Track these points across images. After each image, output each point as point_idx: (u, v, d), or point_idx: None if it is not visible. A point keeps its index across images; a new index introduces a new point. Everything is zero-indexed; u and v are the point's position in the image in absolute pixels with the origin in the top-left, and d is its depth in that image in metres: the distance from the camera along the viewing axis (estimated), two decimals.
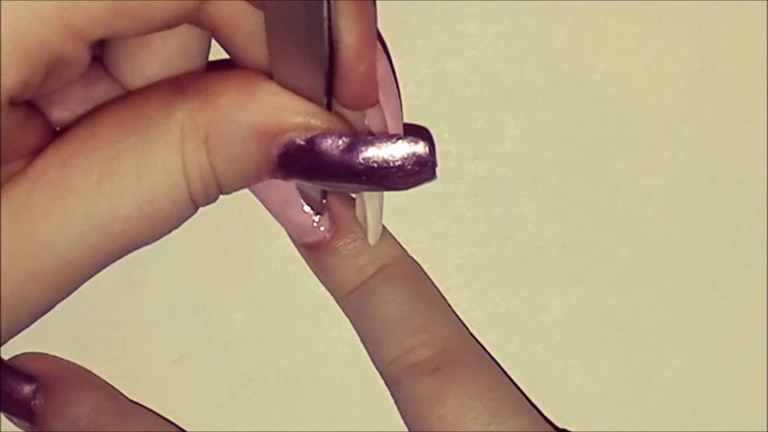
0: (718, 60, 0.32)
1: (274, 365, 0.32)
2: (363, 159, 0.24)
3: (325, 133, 0.24)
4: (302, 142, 0.24)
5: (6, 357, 0.32)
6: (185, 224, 0.32)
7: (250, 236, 0.32)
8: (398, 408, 0.30)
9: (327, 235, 0.30)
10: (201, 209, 0.26)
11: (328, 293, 0.31)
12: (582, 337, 0.32)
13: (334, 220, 0.30)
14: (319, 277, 0.31)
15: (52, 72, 0.23)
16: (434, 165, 0.24)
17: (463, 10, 0.31)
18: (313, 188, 0.29)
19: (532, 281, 0.32)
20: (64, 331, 0.32)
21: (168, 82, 0.26)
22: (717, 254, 0.32)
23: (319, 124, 0.24)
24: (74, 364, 0.32)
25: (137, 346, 0.32)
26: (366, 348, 0.31)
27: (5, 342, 0.25)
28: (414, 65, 0.31)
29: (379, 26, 0.30)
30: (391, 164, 0.24)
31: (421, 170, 0.24)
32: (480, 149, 0.32)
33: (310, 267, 0.31)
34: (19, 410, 0.31)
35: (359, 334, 0.31)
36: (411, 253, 0.31)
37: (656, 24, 0.32)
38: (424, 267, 0.31)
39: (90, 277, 0.25)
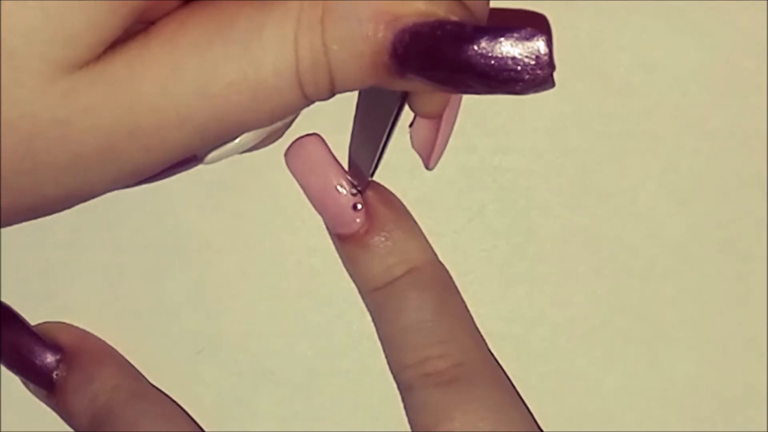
0: (744, 54, 0.32)
1: (296, 358, 0.32)
2: (484, 51, 0.22)
3: (445, 21, 0.22)
4: (420, 29, 0.22)
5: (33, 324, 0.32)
6: (208, 218, 0.32)
7: (272, 229, 0.32)
8: (406, 414, 0.30)
9: (361, 229, 0.30)
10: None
11: (350, 286, 0.31)
12: (605, 330, 0.32)
13: (370, 216, 0.30)
14: (347, 270, 0.31)
15: None
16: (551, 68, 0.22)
17: None
18: (366, 157, 0.29)
19: (556, 274, 0.32)
20: (86, 324, 0.32)
21: None
22: (741, 248, 0.32)
23: (440, 12, 0.22)
24: (101, 339, 0.32)
25: (159, 338, 0.32)
26: (383, 348, 0.31)
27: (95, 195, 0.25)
28: None
29: None
30: (513, 62, 0.22)
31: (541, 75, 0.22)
32: (504, 142, 0.32)
33: (341, 258, 0.31)
34: (40, 378, 0.31)
35: (378, 333, 0.31)
36: (435, 246, 0.31)
37: (680, 18, 0.32)
38: (448, 260, 0.31)
39: (179, 153, 0.24)
